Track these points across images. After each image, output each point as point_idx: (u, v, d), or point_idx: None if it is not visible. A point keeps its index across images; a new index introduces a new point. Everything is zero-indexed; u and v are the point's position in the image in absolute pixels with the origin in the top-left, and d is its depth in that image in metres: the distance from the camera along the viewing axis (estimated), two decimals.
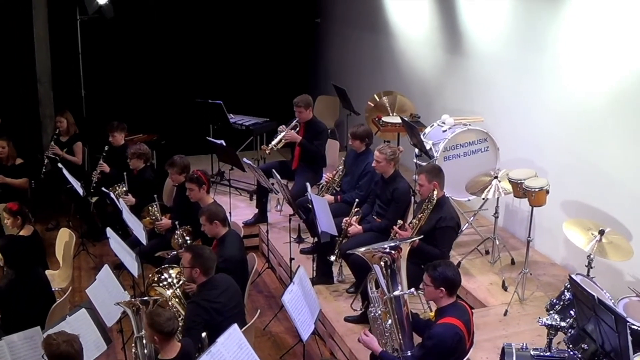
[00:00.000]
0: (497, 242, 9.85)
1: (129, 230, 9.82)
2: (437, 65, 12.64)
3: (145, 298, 7.13)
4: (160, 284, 8.33)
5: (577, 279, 6.55)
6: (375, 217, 9.40)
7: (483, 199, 9.76)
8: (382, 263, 6.98)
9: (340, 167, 10.53)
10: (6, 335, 6.78)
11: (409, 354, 6.82)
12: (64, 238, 9.77)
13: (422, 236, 8.09)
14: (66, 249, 9.67)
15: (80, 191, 11.09)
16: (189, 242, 9.32)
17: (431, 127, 10.76)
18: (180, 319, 7.70)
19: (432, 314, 7.11)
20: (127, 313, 7.09)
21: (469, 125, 10.41)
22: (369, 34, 14.79)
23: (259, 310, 8.10)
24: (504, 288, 9.21)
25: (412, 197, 9.79)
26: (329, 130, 12.07)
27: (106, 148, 11.79)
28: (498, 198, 9.61)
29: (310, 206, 9.25)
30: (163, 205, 10.49)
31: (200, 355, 6.05)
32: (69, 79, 14.81)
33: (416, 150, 10.62)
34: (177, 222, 9.44)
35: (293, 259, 9.84)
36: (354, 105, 13.64)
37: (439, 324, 6.71)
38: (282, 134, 11.09)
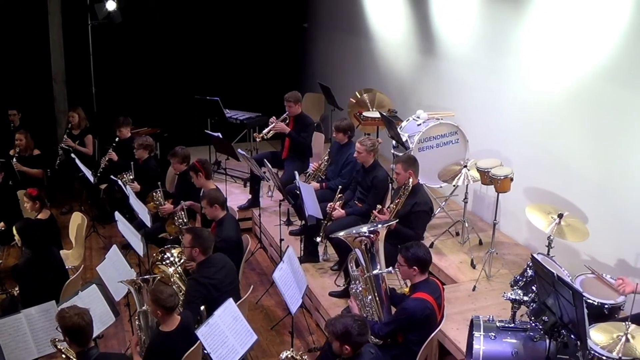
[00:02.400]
0: (467, 225, 9.82)
1: (135, 214, 9.77)
2: (413, 66, 12.59)
3: (147, 277, 7.09)
4: (164, 263, 8.31)
5: (539, 257, 6.52)
6: (356, 202, 9.36)
7: (454, 185, 9.75)
8: (362, 246, 6.98)
9: (326, 157, 10.51)
10: (24, 309, 6.74)
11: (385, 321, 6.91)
12: (77, 221, 9.72)
13: (398, 219, 8.08)
14: (78, 230, 9.63)
15: (92, 179, 11.06)
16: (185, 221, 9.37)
17: (407, 121, 10.71)
18: (181, 293, 7.68)
19: (407, 289, 7.09)
20: (131, 290, 7.07)
21: (441, 119, 10.37)
22: (351, 38, 14.71)
23: (252, 286, 8.06)
24: (473, 266, 9.18)
25: (390, 184, 9.76)
26: (315, 124, 12.02)
27: (116, 140, 11.73)
28: (467, 185, 9.60)
29: (298, 192, 9.23)
30: (166, 191, 10.42)
31: (200, 326, 6.02)
32: (81, 78, 14.72)
33: (393, 142, 10.57)
34: (184, 202, 9.48)
35: (282, 239, 9.82)
36: (338, 102, 13.57)
37: (411, 298, 6.73)
38: (273, 124, 11.07)
